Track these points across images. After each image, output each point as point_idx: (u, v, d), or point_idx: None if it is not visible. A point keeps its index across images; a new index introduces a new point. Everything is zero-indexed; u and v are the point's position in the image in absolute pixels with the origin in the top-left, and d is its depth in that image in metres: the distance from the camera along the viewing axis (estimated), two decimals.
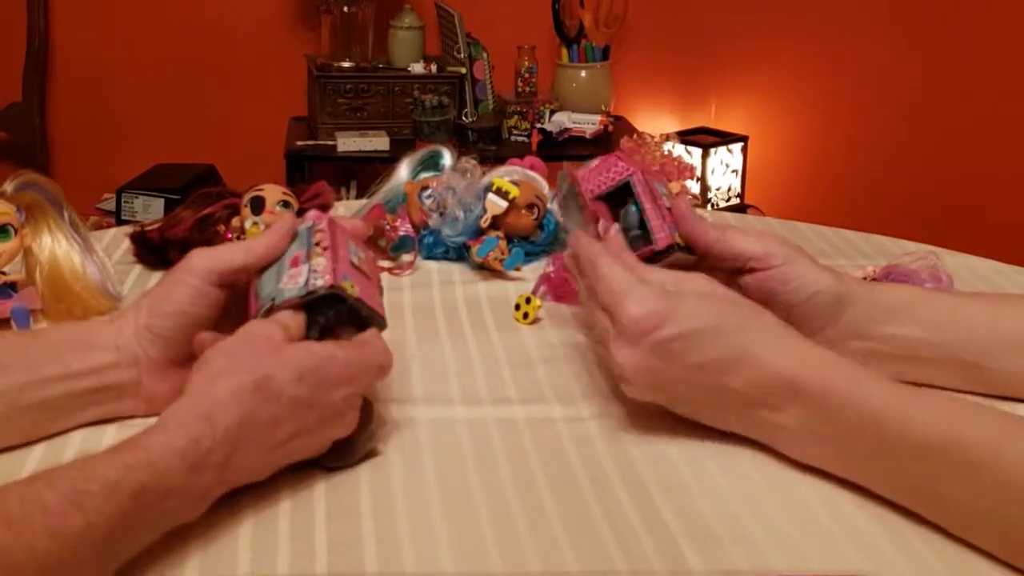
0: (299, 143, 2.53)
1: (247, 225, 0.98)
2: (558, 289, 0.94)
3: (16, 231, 0.82)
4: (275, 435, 0.62)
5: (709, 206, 2.59)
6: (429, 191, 1.05)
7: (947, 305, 0.78)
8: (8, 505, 0.51)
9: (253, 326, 0.65)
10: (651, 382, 0.69)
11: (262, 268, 0.70)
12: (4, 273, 0.82)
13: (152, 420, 0.62)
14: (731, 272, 0.77)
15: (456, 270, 1.03)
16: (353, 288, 0.68)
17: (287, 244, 0.70)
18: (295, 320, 0.66)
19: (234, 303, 0.71)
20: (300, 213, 1.00)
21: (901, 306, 0.77)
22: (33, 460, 0.68)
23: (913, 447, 0.62)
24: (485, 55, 2.57)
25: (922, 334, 0.76)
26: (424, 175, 1.09)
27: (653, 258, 0.78)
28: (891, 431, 0.63)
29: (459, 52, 2.55)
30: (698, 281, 0.72)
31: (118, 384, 0.70)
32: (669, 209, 0.79)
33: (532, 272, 1.00)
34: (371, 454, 0.70)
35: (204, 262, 0.69)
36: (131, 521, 0.54)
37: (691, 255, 0.78)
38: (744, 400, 0.68)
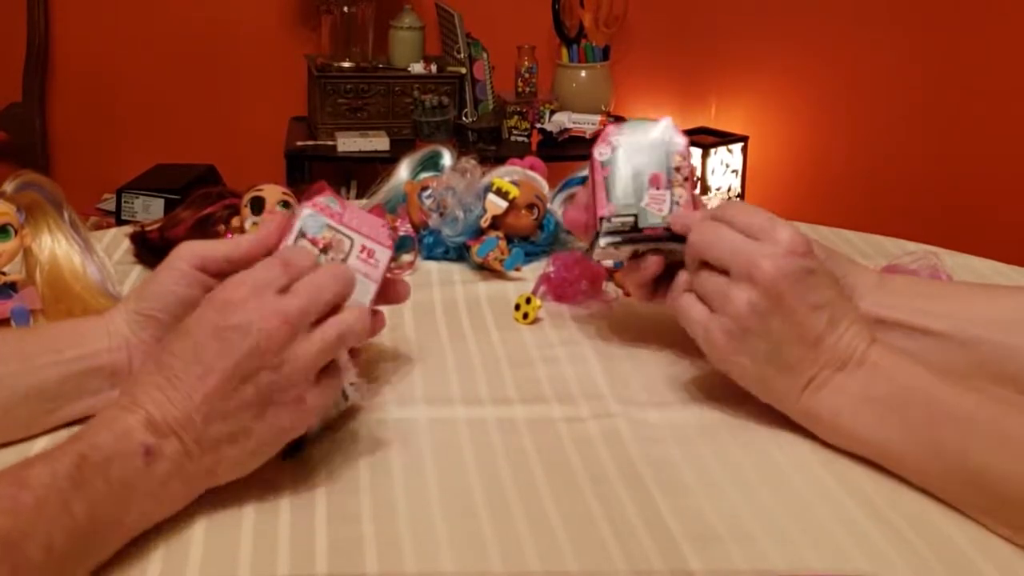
0: (299, 143, 2.53)
1: (247, 225, 0.98)
2: (558, 289, 0.94)
3: (16, 231, 0.82)
4: (184, 382, 0.62)
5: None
6: (429, 191, 1.05)
7: (946, 286, 0.85)
8: None
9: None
10: (775, 305, 0.69)
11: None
12: (4, 273, 0.82)
13: None
14: None
15: (456, 270, 1.03)
16: None
17: (277, 241, 0.71)
18: None
19: None
20: None
21: (901, 280, 0.81)
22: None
23: (959, 416, 0.65)
24: (485, 55, 2.57)
25: (923, 304, 0.78)
26: (424, 175, 1.09)
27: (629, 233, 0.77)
28: (940, 395, 0.66)
29: (459, 52, 2.55)
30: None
31: (110, 366, 0.71)
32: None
33: (532, 272, 1.00)
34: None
35: (189, 248, 0.71)
36: (85, 491, 0.56)
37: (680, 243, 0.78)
38: (831, 357, 0.70)
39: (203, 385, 0.62)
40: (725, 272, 0.71)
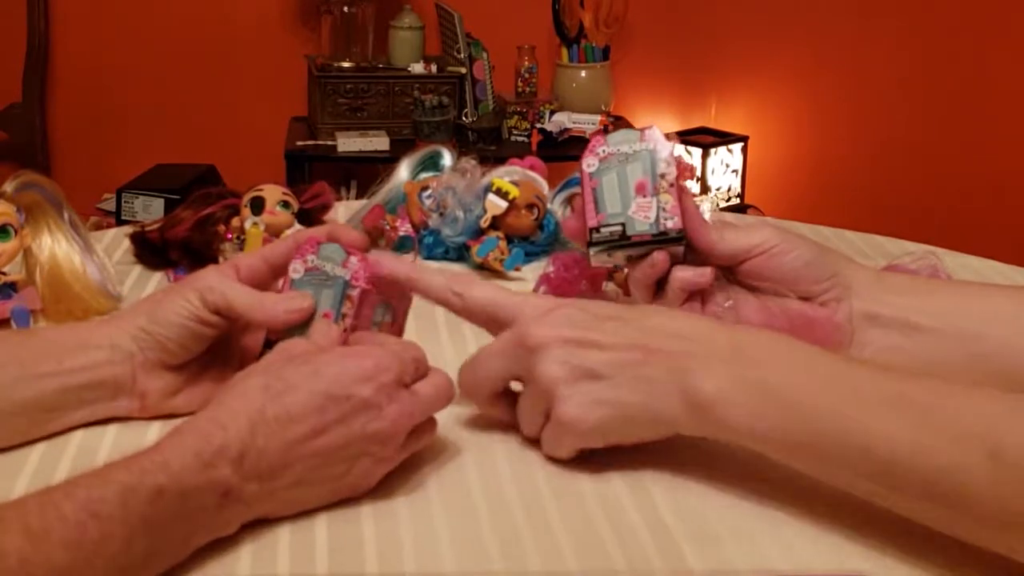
0: (299, 143, 2.53)
1: (247, 225, 0.98)
2: (558, 289, 0.94)
3: (16, 231, 0.82)
4: (293, 430, 0.60)
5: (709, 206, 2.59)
6: (429, 191, 1.05)
7: (942, 284, 0.85)
8: (27, 516, 0.51)
9: (285, 344, 0.66)
10: (572, 355, 0.66)
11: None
12: (4, 273, 0.82)
13: (152, 424, 0.61)
14: (732, 267, 0.78)
15: (456, 270, 1.03)
16: None
17: (308, 312, 0.70)
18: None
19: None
20: (300, 213, 1.00)
21: (897, 277, 0.81)
22: (33, 461, 0.68)
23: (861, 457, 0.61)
24: (485, 55, 2.57)
25: (919, 302, 0.77)
26: (424, 175, 1.09)
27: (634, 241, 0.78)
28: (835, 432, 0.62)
29: (459, 52, 2.55)
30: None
31: (112, 380, 0.69)
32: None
33: (532, 272, 1.00)
34: None
35: (209, 284, 0.69)
36: (151, 528, 0.54)
37: (678, 245, 0.78)
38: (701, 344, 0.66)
39: (310, 445, 0.61)
40: None
